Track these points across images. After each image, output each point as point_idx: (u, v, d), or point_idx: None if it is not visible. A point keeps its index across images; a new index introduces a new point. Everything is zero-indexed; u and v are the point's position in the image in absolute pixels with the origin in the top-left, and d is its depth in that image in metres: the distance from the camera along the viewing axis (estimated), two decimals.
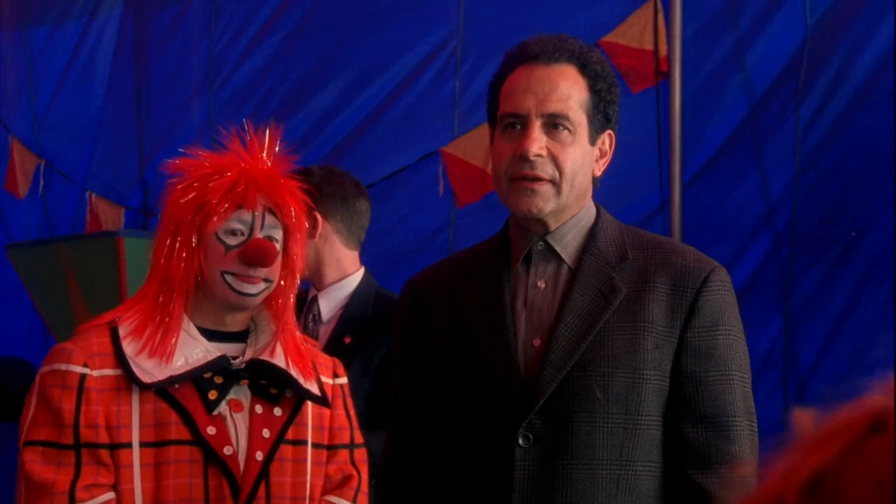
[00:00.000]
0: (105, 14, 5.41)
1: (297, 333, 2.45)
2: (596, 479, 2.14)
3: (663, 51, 4.31)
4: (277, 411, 2.36)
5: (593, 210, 2.28)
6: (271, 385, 2.36)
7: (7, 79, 5.61)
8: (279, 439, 2.34)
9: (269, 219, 2.35)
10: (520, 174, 2.16)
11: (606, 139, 2.25)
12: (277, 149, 2.40)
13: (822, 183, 4.21)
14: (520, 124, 2.18)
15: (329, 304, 3.44)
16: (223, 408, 2.31)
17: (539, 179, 2.16)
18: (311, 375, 2.42)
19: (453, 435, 2.25)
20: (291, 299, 2.44)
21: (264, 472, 2.31)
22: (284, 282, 2.41)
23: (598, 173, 2.25)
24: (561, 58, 2.20)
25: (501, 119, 2.21)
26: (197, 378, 2.30)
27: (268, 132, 2.39)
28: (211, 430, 2.28)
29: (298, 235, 2.40)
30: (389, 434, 2.42)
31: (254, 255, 2.31)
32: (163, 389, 2.28)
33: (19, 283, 5.01)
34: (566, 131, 2.17)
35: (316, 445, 2.44)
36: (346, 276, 3.46)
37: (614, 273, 2.20)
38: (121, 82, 5.44)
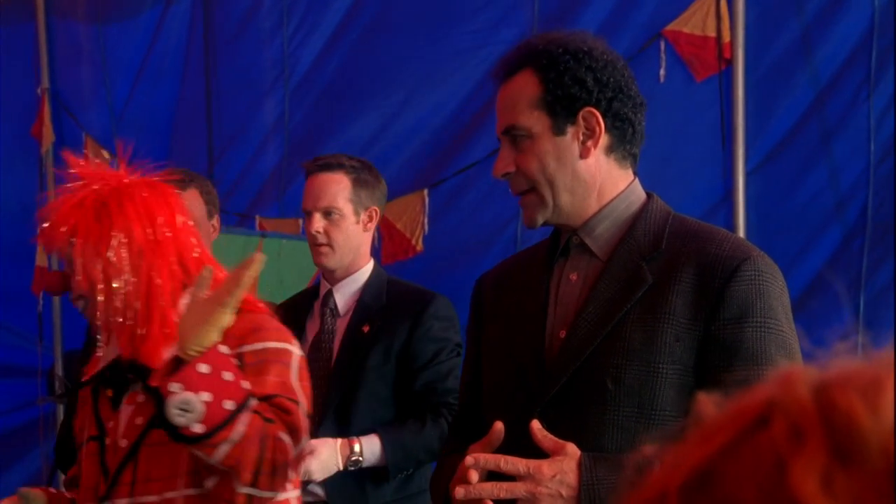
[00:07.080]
0: (177, 4, 5.46)
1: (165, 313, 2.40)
2: None
3: (726, 37, 4.19)
4: None
5: (638, 199, 2.19)
6: (140, 376, 2.40)
7: (81, 75, 5.68)
8: (150, 424, 2.37)
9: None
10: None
11: (588, 117, 2.13)
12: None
13: None
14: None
15: (344, 296, 3.51)
16: (122, 403, 2.45)
17: (522, 193, 2.17)
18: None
19: (488, 420, 2.21)
20: (112, 304, 2.38)
21: (129, 457, 2.40)
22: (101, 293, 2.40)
23: (588, 156, 2.14)
24: (515, 68, 2.16)
25: None
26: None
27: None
28: (110, 424, 2.45)
29: (82, 251, 2.39)
30: (452, 421, 2.50)
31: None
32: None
33: None
34: (524, 138, 2.14)
35: None
36: (360, 267, 3.50)
37: (644, 263, 2.11)
38: (192, 80, 5.50)
